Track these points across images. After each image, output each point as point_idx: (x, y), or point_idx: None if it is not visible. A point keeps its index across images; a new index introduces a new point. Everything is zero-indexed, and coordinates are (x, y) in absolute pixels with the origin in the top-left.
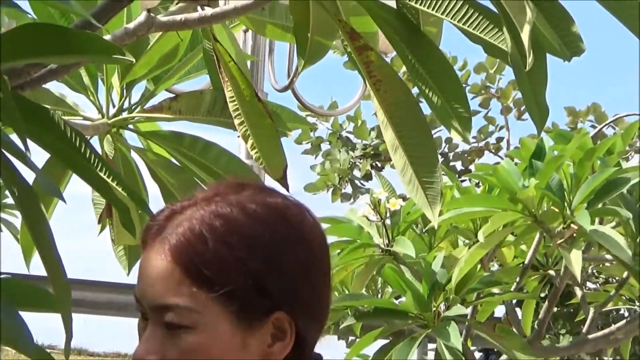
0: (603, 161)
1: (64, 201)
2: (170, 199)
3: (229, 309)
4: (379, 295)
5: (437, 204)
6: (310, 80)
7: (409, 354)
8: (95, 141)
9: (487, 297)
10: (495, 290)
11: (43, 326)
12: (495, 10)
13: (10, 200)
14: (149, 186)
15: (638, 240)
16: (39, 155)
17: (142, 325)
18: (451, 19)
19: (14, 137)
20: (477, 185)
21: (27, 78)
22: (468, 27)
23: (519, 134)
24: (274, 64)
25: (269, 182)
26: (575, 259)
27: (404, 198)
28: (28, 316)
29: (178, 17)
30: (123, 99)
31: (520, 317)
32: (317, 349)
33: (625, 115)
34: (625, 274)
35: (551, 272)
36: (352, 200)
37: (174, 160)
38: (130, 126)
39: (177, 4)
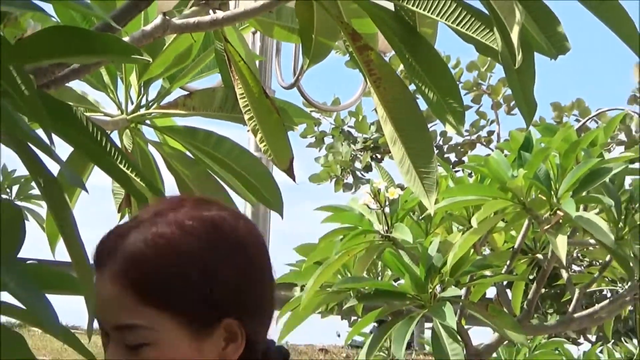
0: (587, 152)
1: (87, 191)
2: (185, 189)
3: (182, 322)
4: (379, 278)
5: (433, 192)
6: (315, 79)
7: (407, 333)
8: (115, 136)
9: (480, 279)
10: (487, 272)
11: (67, 308)
12: (486, 12)
13: (35, 191)
14: (165, 177)
15: (620, 225)
16: (63, 149)
17: (105, 341)
18: (445, 20)
19: (40, 132)
20: (470, 175)
21: (52, 77)
22: (461, 27)
23: (508, 128)
24: (280, 63)
25: (277, 173)
26: (561, 244)
27: (402, 187)
28: (53, 299)
29: (191, 20)
30: (141, 96)
31: (510, 297)
32: (324, 329)
33: (607, 110)
34: (608, 257)
35: (539, 255)
36: (353, 189)
37: (188, 153)
38: (148, 121)
39: (190, 7)
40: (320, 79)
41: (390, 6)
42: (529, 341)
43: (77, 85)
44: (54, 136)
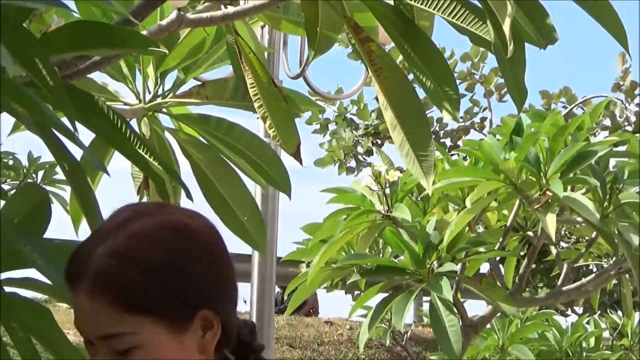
0: (574, 137)
1: (108, 174)
2: (199, 172)
3: (160, 322)
4: (380, 255)
5: (431, 174)
6: (320, 69)
7: (407, 305)
8: (133, 123)
9: (474, 255)
10: (481, 249)
11: None
12: (479, 5)
13: (59, 176)
14: (181, 162)
15: (605, 204)
16: (86, 136)
17: (89, 348)
18: (442, 13)
19: (64, 120)
20: (465, 158)
21: (75, 69)
22: (456, 20)
23: (500, 114)
24: (287, 55)
25: (285, 157)
26: (551, 222)
27: (401, 170)
28: None
29: (204, 15)
30: (157, 87)
31: (503, 272)
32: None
33: (593, 97)
34: (594, 234)
35: (530, 233)
36: (355, 172)
37: (202, 139)
38: (164, 110)
39: (203, 3)
40: (325, 70)
41: (390, 0)
42: (520, 313)
43: (98, 77)
44: (77, 124)
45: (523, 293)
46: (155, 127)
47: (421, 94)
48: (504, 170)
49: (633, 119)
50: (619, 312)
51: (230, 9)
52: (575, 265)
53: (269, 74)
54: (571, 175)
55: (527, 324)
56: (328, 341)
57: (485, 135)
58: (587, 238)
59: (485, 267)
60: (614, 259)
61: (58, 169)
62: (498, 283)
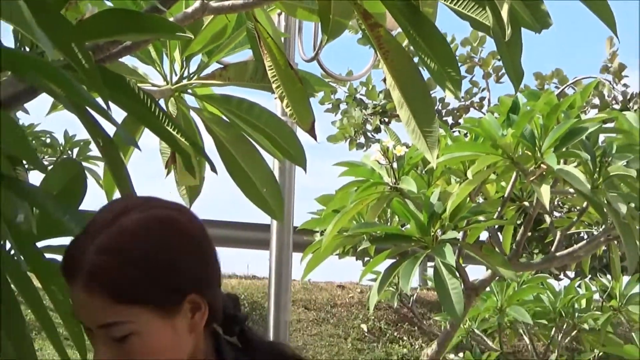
0: (566, 114)
1: (139, 149)
2: (222, 148)
3: (152, 310)
4: (388, 224)
5: (435, 148)
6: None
7: (413, 270)
8: (161, 103)
9: (475, 223)
10: (481, 218)
11: None
12: None
13: (92, 152)
14: (205, 138)
15: (595, 176)
16: (118, 115)
17: (89, 334)
18: (444, 0)
19: (98, 100)
20: (466, 135)
21: (107, 53)
22: (458, 7)
23: (497, 94)
24: (302, 39)
25: (300, 133)
26: (545, 193)
27: (407, 146)
28: None
29: (226, 3)
30: (183, 69)
31: (501, 239)
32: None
33: (583, 78)
34: (585, 204)
35: (526, 203)
36: (365, 148)
37: (224, 118)
38: (189, 91)
39: None
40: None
41: None
42: (517, 277)
43: (129, 60)
44: (110, 103)
45: (520, 258)
46: (182, 107)
47: (426, 75)
48: (501, 145)
49: (620, 98)
50: (608, 276)
51: None
52: (568, 232)
53: (286, 57)
54: (564, 149)
55: (524, 287)
56: (340, 303)
57: (484, 114)
58: (578, 207)
59: (484, 235)
60: (603, 226)
61: (92, 145)
62: (497, 249)
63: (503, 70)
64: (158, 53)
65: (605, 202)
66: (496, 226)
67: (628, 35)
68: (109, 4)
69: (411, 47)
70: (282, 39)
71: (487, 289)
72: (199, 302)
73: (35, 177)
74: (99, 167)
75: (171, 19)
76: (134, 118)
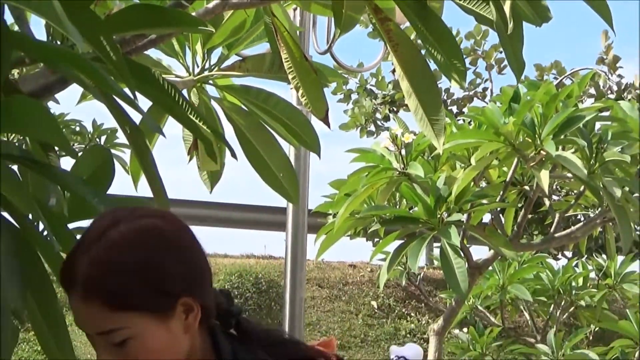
0: (564, 103)
1: (164, 136)
2: (241, 136)
3: (147, 315)
4: (397, 206)
5: (442, 135)
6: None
7: (420, 250)
8: (184, 93)
9: (478, 206)
10: (484, 201)
11: None
12: None
13: (119, 140)
14: (225, 127)
15: (591, 162)
16: (143, 104)
17: (91, 339)
18: None
19: (126, 90)
20: (470, 123)
21: (133, 46)
22: (463, 2)
23: (499, 85)
24: (316, 33)
25: (315, 122)
26: (544, 177)
27: (415, 133)
28: None
29: None
30: (204, 61)
31: (503, 221)
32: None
33: (580, 69)
34: (582, 188)
35: (526, 187)
36: (375, 135)
37: (243, 107)
38: (210, 81)
39: None
40: (348, 47)
41: None
42: (518, 256)
43: (153, 53)
44: (136, 93)
45: (520, 239)
46: (203, 97)
47: (432, 66)
48: (503, 133)
49: (615, 88)
50: (604, 256)
51: None
52: (566, 215)
53: (301, 50)
54: (562, 136)
55: (524, 266)
56: (352, 282)
57: (487, 103)
58: (576, 191)
59: (487, 217)
60: (599, 209)
61: (118, 133)
62: (499, 231)
63: (505, 62)
64: (181, 46)
65: (601, 186)
66: (498, 209)
67: (623, 27)
68: (136, 0)
69: (419, 40)
70: (298, 32)
71: (490, 268)
72: (191, 304)
73: (67, 163)
74: (126, 154)
75: (193, 14)
76: (158, 107)
